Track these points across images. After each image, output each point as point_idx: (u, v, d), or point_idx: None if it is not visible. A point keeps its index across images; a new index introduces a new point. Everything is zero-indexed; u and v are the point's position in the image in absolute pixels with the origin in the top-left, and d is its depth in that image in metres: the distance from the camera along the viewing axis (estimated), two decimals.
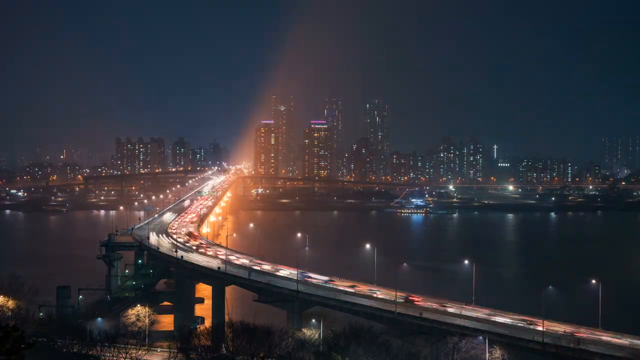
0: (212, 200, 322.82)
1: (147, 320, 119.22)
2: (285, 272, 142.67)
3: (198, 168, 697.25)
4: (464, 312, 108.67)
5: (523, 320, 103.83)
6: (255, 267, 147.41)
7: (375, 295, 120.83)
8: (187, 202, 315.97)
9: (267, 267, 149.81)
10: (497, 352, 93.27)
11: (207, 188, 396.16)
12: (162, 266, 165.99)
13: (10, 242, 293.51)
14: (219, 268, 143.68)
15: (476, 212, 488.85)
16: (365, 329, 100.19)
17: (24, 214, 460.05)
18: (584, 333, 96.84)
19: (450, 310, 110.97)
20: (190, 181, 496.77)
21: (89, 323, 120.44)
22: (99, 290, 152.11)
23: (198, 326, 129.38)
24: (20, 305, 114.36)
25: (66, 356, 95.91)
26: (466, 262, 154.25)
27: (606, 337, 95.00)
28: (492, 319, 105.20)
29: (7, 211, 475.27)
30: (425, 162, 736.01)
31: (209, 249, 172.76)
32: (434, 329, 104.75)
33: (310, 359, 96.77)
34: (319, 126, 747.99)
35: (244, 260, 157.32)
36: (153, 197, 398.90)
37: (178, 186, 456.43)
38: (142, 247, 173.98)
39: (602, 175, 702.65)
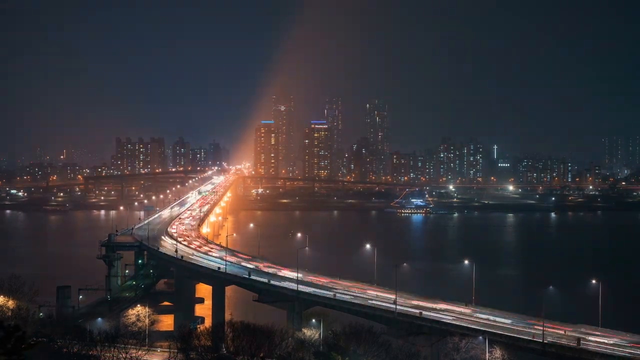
0: (212, 200, 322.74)
1: (147, 320, 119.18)
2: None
3: (198, 168, 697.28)
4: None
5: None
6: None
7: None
8: (186, 202, 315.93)
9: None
10: (497, 352, 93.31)
11: (207, 188, 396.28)
12: (162, 266, 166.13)
13: (10, 242, 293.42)
14: (219, 268, 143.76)
15: (476, 212, 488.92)
16: (365, 329, 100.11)
17: (24, 214, 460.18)
18: (582, 334, 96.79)
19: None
20: (190, 181, 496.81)
21: (89, 323, 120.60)
22: (99, 290, 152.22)
23: (198, 326, 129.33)
24: (21, 305, 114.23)
25: (66, 356, 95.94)
26: (466, 262, 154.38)
27: (606, 337, 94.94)
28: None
29: (7, 211, 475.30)
30: (425, 162, 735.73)
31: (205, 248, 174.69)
32: (434, 329, 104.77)
33: (310, 359, 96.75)
34: (319, 126, 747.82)
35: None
36: (153, 197, 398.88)
37: (178, 186, 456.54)
38: (142, 247, 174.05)
39: (602, 175, 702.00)
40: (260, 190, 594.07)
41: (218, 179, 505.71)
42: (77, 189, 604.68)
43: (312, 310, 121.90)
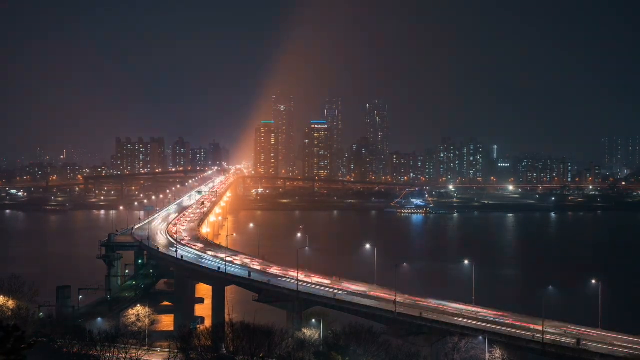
0: (212, 201, 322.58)
1: (147, 320, 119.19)
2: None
3: (198, 168, 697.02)
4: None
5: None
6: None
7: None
8: (186, 202, 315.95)
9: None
10: (497, 352, 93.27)
11: (206, 188, 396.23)
12: (162, 266, 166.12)
13: (10, 242, 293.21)
14: (218, 268, 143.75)
15: (476, 212, 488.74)
16: (365, 329, 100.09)
17: (24, 214, 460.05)
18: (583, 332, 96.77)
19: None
20: (190, 181, 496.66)
21: (89, 323, 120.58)
22: (99, 290, 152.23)
23: (198, 326, 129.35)
24: (20, 305, 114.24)
25: (66, 356, 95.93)
26: (466, 262, 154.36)
27: (606, 337, 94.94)
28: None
29: (7, 211, 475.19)
30: (425, 162, 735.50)
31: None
32: (434, 329, 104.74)
33: (310, 359, 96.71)
34: (319, 126, 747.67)
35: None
36: (153, 197, 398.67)
37: (178, 186, 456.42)
38: (142, 247, 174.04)
39: (602, 175, 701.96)
40: (260, 190, 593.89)
41: (218, 179, 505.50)
42: (77, 189, 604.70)
43: (312, 310, 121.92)
